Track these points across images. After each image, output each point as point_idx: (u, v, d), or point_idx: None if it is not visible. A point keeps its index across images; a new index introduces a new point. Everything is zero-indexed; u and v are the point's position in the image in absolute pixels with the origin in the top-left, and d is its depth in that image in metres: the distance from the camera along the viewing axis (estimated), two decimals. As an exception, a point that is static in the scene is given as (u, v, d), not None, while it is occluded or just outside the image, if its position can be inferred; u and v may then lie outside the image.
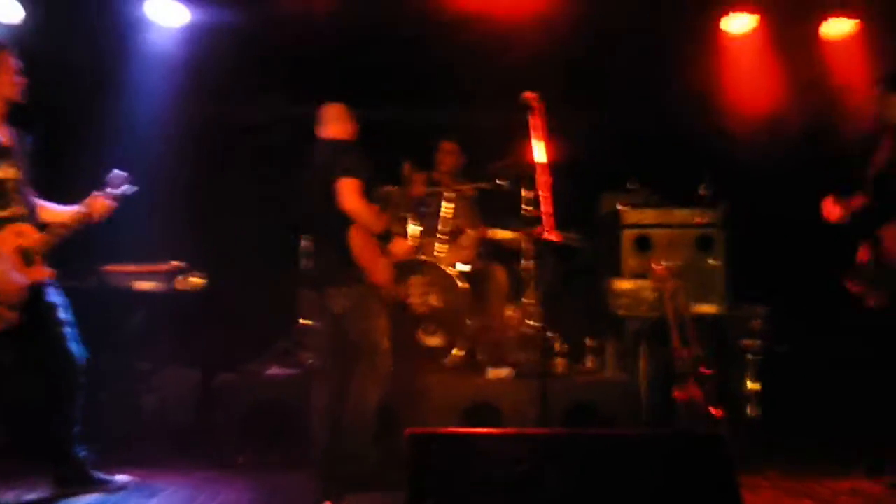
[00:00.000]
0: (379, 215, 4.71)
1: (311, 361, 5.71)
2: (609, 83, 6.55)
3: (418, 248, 5.93)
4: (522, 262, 5.93)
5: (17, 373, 4.87)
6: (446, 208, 6.02)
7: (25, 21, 5.72)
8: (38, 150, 4.38)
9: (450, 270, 5.80)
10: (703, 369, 5.02)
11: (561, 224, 5.72)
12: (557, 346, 5.74)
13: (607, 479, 2.97)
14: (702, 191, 6.02)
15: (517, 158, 5.43)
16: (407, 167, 5.38)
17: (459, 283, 5.73)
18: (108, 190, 4.45)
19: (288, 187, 6.28)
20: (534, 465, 2.93)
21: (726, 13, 6.18)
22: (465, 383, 5.42)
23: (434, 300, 5.71)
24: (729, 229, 5.90)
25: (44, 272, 4.17)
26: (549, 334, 5.80)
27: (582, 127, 6.83)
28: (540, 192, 4.21)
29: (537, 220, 4.30)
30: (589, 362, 5.82)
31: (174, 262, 5.82)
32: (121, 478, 4.53)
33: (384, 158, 5.01)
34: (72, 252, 4.55)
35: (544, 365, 4.48)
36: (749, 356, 5.74)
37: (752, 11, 6.22)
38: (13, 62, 4.16)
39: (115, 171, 4.54)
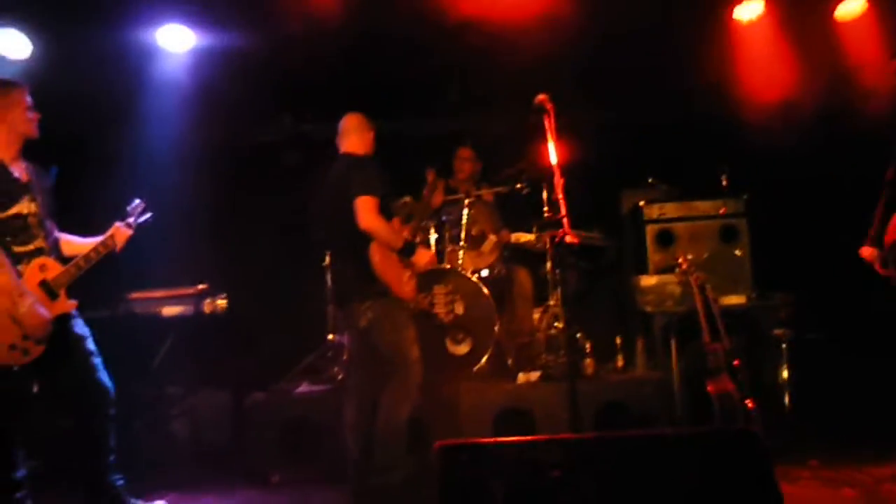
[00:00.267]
0: (397, 230, 4.71)
1: (340, 377, 5.73)
2: (623, 80, 6.51)
3: (440, 257, 5.92)
4: (546, 264, 5.93)
5: (46, 404, 4.93)
6: (466, 215, 6.00)
7: (34, 56, 5.77)
8: (57, 183, 4.42)
9: (473, 277, 5.78)
10: (735, 362, 4.97)
11: (583, 223, 5.74)
12: (586, 346, 5.69)
13: (642, 481, 2.93)
14: (723, 181, 5.98)
15: (534, 161, 5.44)
16: (431, 174, 5.37)
17: (484, 290, 5.71)
18: (129, 219, 4.49)
19: (305, 204, 6.34)
20: (567, 471, 2.90)
21: (738, 2, 6.11)
22: (495, 390, 5.40)
23: (459, 308, 5.69)
24: (752, 218, 5.85)
25: (68, 305, 4.20)
26: (577, 335, 5.78)
27: (598, 125, 6.82)
28: (557, 194, 4.17)
29: (558, 223, 4.27)
30: (619, 361, 5.77)
31: (199, 286, 5.86)
32: (158, 503, 4.54)
33: (400, 169, 5.02)
34: (98, 281, 4.59)
35: (574, 366, 4.44)
36: (781, 345, 5.69)
37: (762, -3, 6.17)
38: (26, 98, 4.21)
39: (134, 199, 4.58)
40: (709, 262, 5.75)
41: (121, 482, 4.34)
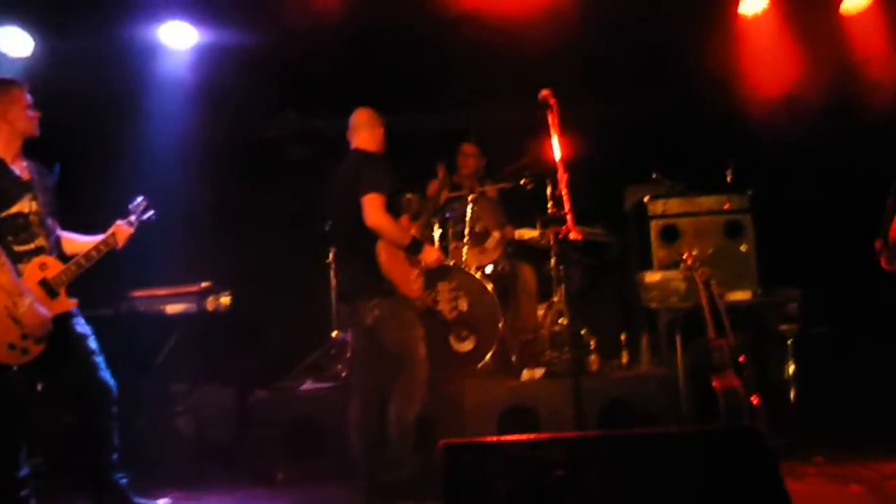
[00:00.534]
0: (404, 228, 4.70)
1: (344, 374, 5.72)
2: (627, 74, 6.49)
3: (444, 254, 5.90)
4: (550, 260, 5.91)
5: (49, 402, 4.93)
6: (470, 211, 5.97)
7: (36, 53, 5.76)
8: (60, 180, 4.41)
9: (477, 274, 5.76)
10: (740, 358, 4.95)
11: (587, 219, 5.72)
12: (591, 343, 5.67)
13: (647, 479, 2.91)
14: (728, 176, 5.95)
15: (538, 157, 5.41)
16: (441, 169, 5.35)
17: (488, 286, 5.69)
18: (130, 217, 4.48)
19: (309, 200, 6.33)
20: (572, 470, 2.89)
21: (742, -4, 6.09)
22: (499, 387, 5.38)
23: (463, 305, 5.67)
24: (757, 214, 5.82)
25: (68, 303, 4.19)
26: (582, 331, 5.76)
27: (602, 120, 6.79)
28: (561, 190, 4.15)
29: (562, 219, 4.24)
30: (623, 358, 5.75)
31: (203, 283, 5.85)
32: (163, 501, 4.55)
33: (403, 166, 4.99)
34: (101, 280, 4.59)
35: (578, 363, 4.42)
36: (787, 341, 5.66)
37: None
38: (26, 97, 4.19)
39: (136, 197, 4.57)
40: (714, 257, 5.72)
41: (124, 480, 4.33)
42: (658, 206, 5.92)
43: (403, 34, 6.14)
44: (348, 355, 5.86)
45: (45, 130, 4.26)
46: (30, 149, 4.26)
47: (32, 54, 5.77)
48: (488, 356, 5.68)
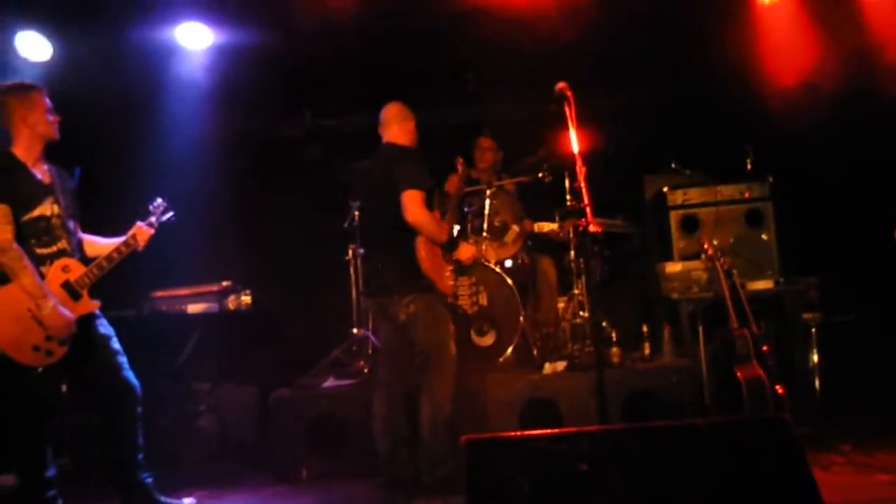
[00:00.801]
0: (442, 224, 4.70)
1: (366, 371, 5.73)
2: (643, 63, 6.45)
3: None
4: (570, 253, 5.89)
5: (74, 403, 4.98)
6: (488, 206, 5.95)
7: (54, 57, 5.80)
8: (79, 183, 4.44)
9: (497, 268, 5.75)
10: (764, 347, 4.91)
11: (606, 211, 5.69)
12: (612, 335, 5.65)
13: (672, 472, 2.89)
14: (748, 164, 5.91)
15: (555, 150, 5.39)
16: (461, 163, 5.33)
17: (508, 280, 5.67)
18: (151, 219, 4.50)
19: (326, 199, 6.34)
20: (596, 464, 2.87)
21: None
22: (521, 381, 5.36)
23: (483, 299, 5.66)
24: (778, 201, 5.78)
25: (91, 305, 4.22)
26: (603, 324, 5.73)
27: (619, 111, 6.76)
28: (580, 183, 4.13)
29: (581, 211, 4.22)
30: (645, 349, 5.72)
31: (223, 283, 5.88)
32: (188, 500, 4.56)
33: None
34: (123, 281, 4.62)
35: (600, 355, 4.39)
36: (810, 330, 5.62)
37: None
38: (45, 101, 4.22)
39: (156, 199, 4.59)
40: (734, 246, 5.69)
41: (150, 479, 4.36)
42: (678, 196, 5.89)
43: (418, 31, 6.13)
44: (369, 352, 5.88)
45: (64, 134, 4.28)
46: (50, 152, 4.29)
47: (51, 59, 5.80)
48: (509, 350, 5.67)
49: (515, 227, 6.05)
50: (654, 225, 6.32)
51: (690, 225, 5.86)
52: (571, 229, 5.78)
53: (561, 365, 5.45)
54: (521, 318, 5.66)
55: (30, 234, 4.08)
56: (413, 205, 4.44)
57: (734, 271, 5.17)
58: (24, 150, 4.16)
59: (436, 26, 6.01)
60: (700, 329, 5.53)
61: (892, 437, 4.89)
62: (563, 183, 5.84)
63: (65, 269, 4.15)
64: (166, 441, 5.44)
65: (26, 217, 4.08)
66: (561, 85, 4.25)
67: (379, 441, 4.64)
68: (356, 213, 6.02)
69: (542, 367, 5.50)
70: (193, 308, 5.84)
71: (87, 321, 4.20)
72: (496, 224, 5.98)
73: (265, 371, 6.03)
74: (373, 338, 5.87)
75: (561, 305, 6.07)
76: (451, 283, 4.71)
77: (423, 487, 4.48)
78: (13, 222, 4.00)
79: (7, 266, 3.96)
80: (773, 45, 6.14)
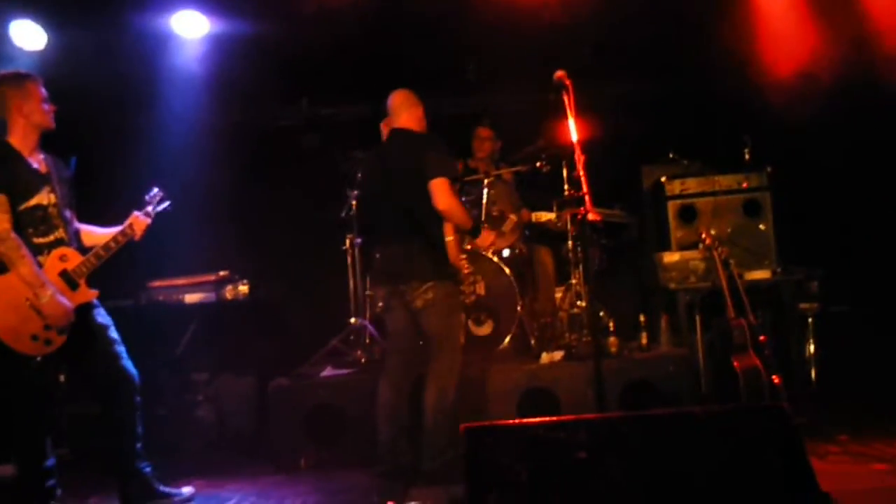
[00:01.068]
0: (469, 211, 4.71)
1: (364, 360, 5.73)
2: (641, 53, 6.44)
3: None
4: (568, 243, 5.89)
5: (73, 392, 4.97)
6: (486, 195, 5.95)
7: (49, 46, 5.77)
8: (76, 173, 4.43)
9: (494, 257, 5.75)
10: (760, 337, 4.92)
11: (604, 201, 5.68)
12: (610, 324, 5.65)
13: (670, 460, 2.90)
14: (746, 154, 5.91)
15: (553, 139, 5.39)
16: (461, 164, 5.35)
17: (505, 270, 5.68)
18: (147, 208, 4.49)
19: (324, 188, 6.33)
20: (593, 452, 2.88)
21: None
22: (518, 370, 5.36)
23: (481, 289, 5.66)
24: (776, 192, 5.78)
25: (89, 294, 4.22)
26: (600, 313, 5.74)
27: (617, 101, 6.75)
28: (578, 172, 4.12)
29: (579, 201, 4.21)
30: (642, 339, 5.73)
31: (220, 273, 5.88)
32: (186, 489, 4.57)
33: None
34: (119, 271, 4.61)
35: (597, 345, 4.39)
36: (807, 320, 5.63)
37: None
38: (41, 90, 4.21)
39: (152, 188, 4.58)
40: (732, 236, 5.70)
41: (148, 469, 4.37)
42: (675, 186, 5.90)
43: (415, 19, 6.10)
44: (367, 341, 5.89)
45: (60, 123, 4.27)
46: (46, 142, 4.28)
47: (46, 48, 5.77)
48: (507, 340, 5.67)
49: (513, 217, 6.04)
50: (652, 214, 6.33)
51: (688, 215, 5.87)
52: (569, 218, 5.77)
53: (558, 354, 5.46)
54: (519, 308, 5.66)
55: (27, 224, 4.07)
56: (443, 193, 4.42)
57: (731, 261, 5.18)
58: (20, 139, 4.15)
59: (435, 14, 5.98)
60: (697, 319, 5.55)
61: (888, 427, 4.90)
62: (561, 173, 5.83)
63: (62, 258, 4.15)
64: (165, 431, 5.45)
65: (23, 206, 4.07)
66: (560, 73, 4.23)
67: (381, 428, 4.62)
68: (353, 202, 6.01)
69: (539, 356, 5.50)
70: (191, 298, 5.83)
71: (85, 310, 4.20)
72: (494, 213, 5.97)
73: (263, 361, 6.03)
74: (370, 327, 5.87)
75: (558, 295, 6.07)
76: (467, 270, 4.70)
77: (421, 476, 4.48)
78: (10, 211, 4.00)
79: (5, 255, 3.96)
80: (771, 34, 6.13)
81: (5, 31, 5.67)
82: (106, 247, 4.26)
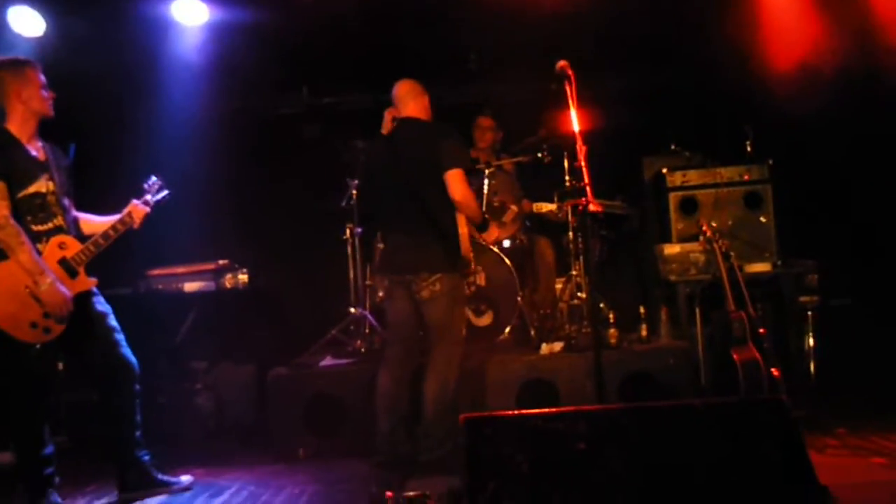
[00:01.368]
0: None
1: (363, 350, 5.73)
2: (644, 44, 6.41)
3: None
4: (568, 234, 5.88)
5: (71, 380, 4.97)
6: (487, 185, 5.93)
7: (48, 33, 5.74)
8: (75, 161, 4.42)
9: (495, 248, 5.73)
10: (760, 330, 4.91)
11: (605, 192, 5.67)
12: (610, 316, 5.65)
13: (669, 452, 2.90)
14: (747, 147, 5.89)
15: (555, 129, 5.37)
16: None
17: (505, 260, 5.66)
18: (146, 197, 4.48)
19: (324, 177, 6.31)
20: (593, 443, 2.88)
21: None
22: (518, 361, 5.35)
23: (481, 279, 5.64)
24: (777, 184, 5.77)
25: (88, 282, 4.22)
26: (601, 305, 5.73)
27: (619, 91, 6.73)
28: (579, 162, 4.11)
29: (580, 191, 4.20)
30: (642, 331, 5.72)
31: (220, 261, 5.87)
32: (185, 478, 4.58)
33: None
34: (119, 259, 4.61)
35: (597, 336, 4.38)
36: (807, 313, 5.63)
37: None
38: (40, 77, 4.19)
39: (151, 177, 4.57)
40: (733, 229, 5.69)
41: (147, 457, 4.38)
42: (677, 178, 5.88)
43: (417, 7, 6.07)
44: (366, 331, 5.88)
45: (58, 110, 4.25)
46: (44, 129, 4.26)
47: (45, 34, 5.74)
48: (507, 330, 5.67)
49: (514, 208, 6.03)
50: (653, 206, 6.31)
51: (689, 207, 5.85)
52: (570, 209, 5.75)
53: (558, 346, 5.46)
54: (519, 299, 5.65)
55: (25, 211, 4.06)
56: (459, 184, 4.43)
57: (732, 254, 5.17)
58: (18, 126, 4.14)
59: (436, 2, 5.96)
60: (697, 311, 5.55)
61: (887, 421, 4.90)
62: (563, 163, 5.81)
63: (61, 245, 4.14)
64: (164, 419, 5.44)
65: (21, 194, 4.06)
66: (562, 64, 4.21)
67: (381, 418, 4.63)
68: (354, 191, 6.00)
69: (539, 347, 5.50)
70: (190, 286, 5.83)
71: (84, 298, 4.19)
72: (494, 204, 5.95)
73: (262, 350, 6.03)
74: (370, 317, 5.87)
75: (559, 286, 6.06)
76: (473, 263, 4.71)
77: (419, 466, 4.48)
78: (9, 198, 3.99)
79: (4, 242, 3.95)
80: (773, 26, 6.11)
81: (4, 18, 5.64)
82: (105, 235, 4.26)
